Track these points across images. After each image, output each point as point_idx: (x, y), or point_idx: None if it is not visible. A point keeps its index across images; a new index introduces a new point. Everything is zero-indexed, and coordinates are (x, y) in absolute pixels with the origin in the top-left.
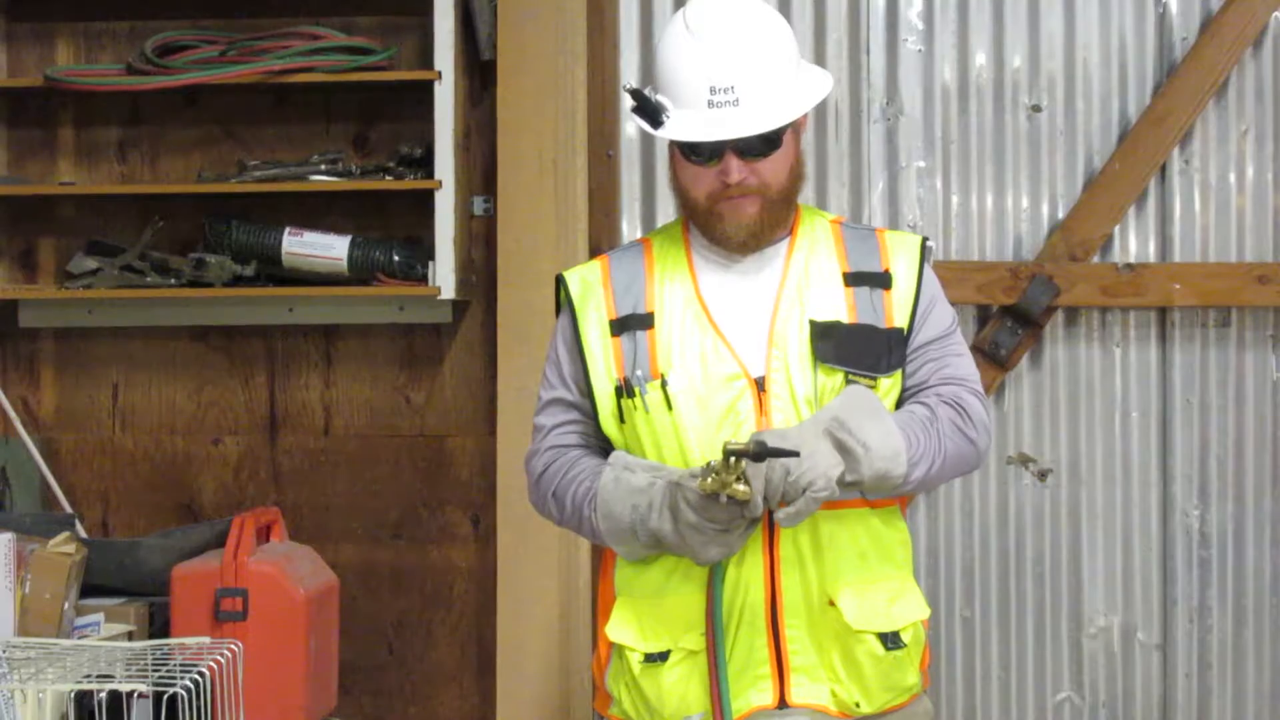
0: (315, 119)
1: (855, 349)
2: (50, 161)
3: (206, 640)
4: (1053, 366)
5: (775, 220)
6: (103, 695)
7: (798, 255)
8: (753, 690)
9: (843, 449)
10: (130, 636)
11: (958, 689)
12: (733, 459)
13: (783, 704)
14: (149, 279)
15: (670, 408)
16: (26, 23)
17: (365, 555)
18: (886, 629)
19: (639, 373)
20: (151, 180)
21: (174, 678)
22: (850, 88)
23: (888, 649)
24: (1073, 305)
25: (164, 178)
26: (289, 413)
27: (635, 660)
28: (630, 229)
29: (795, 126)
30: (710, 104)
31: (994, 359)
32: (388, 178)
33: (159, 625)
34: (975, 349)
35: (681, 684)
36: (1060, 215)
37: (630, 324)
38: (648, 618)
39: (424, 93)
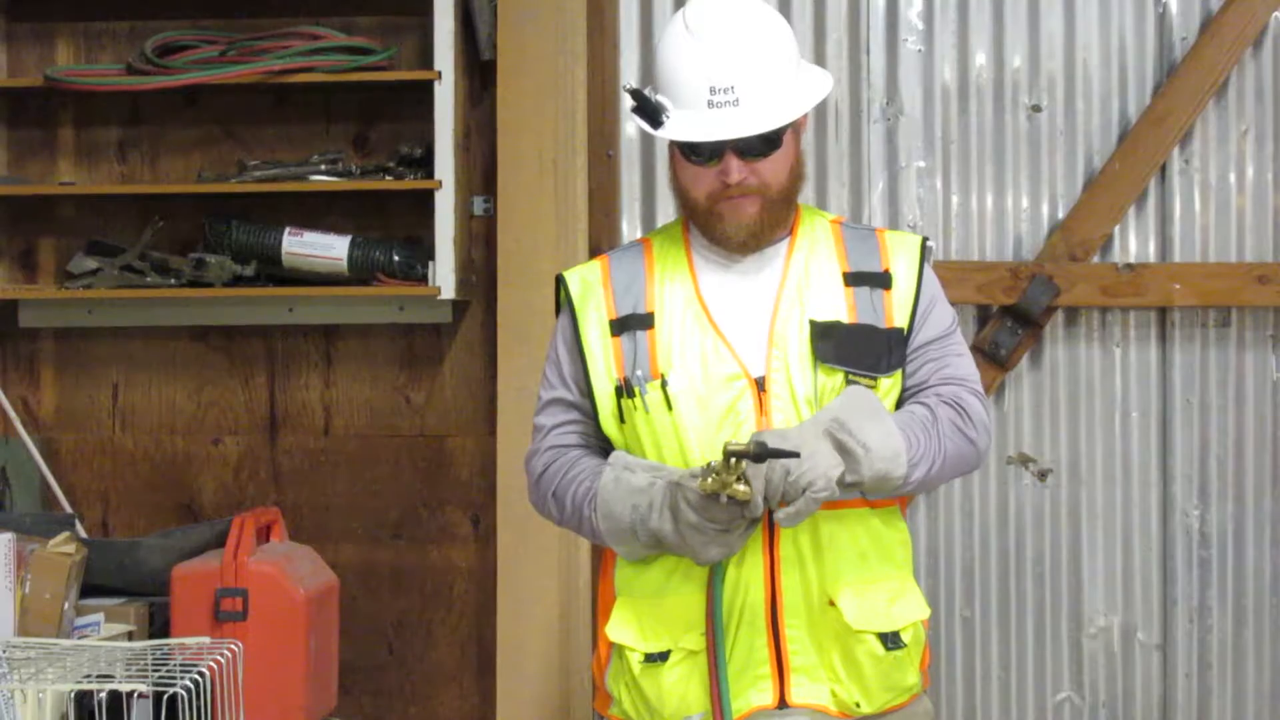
0: (315, 119)
1: (855, 349)
2: (50, 161)
3: (206, 640)
4: (1053, 366)
5: (775, 220)
6: (103, 695)
7: (798, 255)
8: (753, 690)
9: (843, 450)
10: (130, 636)
11: (958, 689)
12: (733, 459)
13: (783, 704)
14: (149, 279)
15: (670, 408)
16: (26, 23)
17: (365, 555)
18: (886, 629)
19: (639, 373)
20: (151, 180)
21: (174, 678)
22: (850, 88)
23: (888, 649)
24: (1073, 305)
25: (164, 178)
26: (289, 413)
27: (635, 660)
28: (630, 229)
29: (795, 126)
30: (710, 104)
31: (994, 359)
32: (388, 178)
33: (159, 625)
34: (975, 349)
35: (681, 684)
36: (1060, 215)
37: (630, 324)
38: (648, 618)
39: (424, 93)
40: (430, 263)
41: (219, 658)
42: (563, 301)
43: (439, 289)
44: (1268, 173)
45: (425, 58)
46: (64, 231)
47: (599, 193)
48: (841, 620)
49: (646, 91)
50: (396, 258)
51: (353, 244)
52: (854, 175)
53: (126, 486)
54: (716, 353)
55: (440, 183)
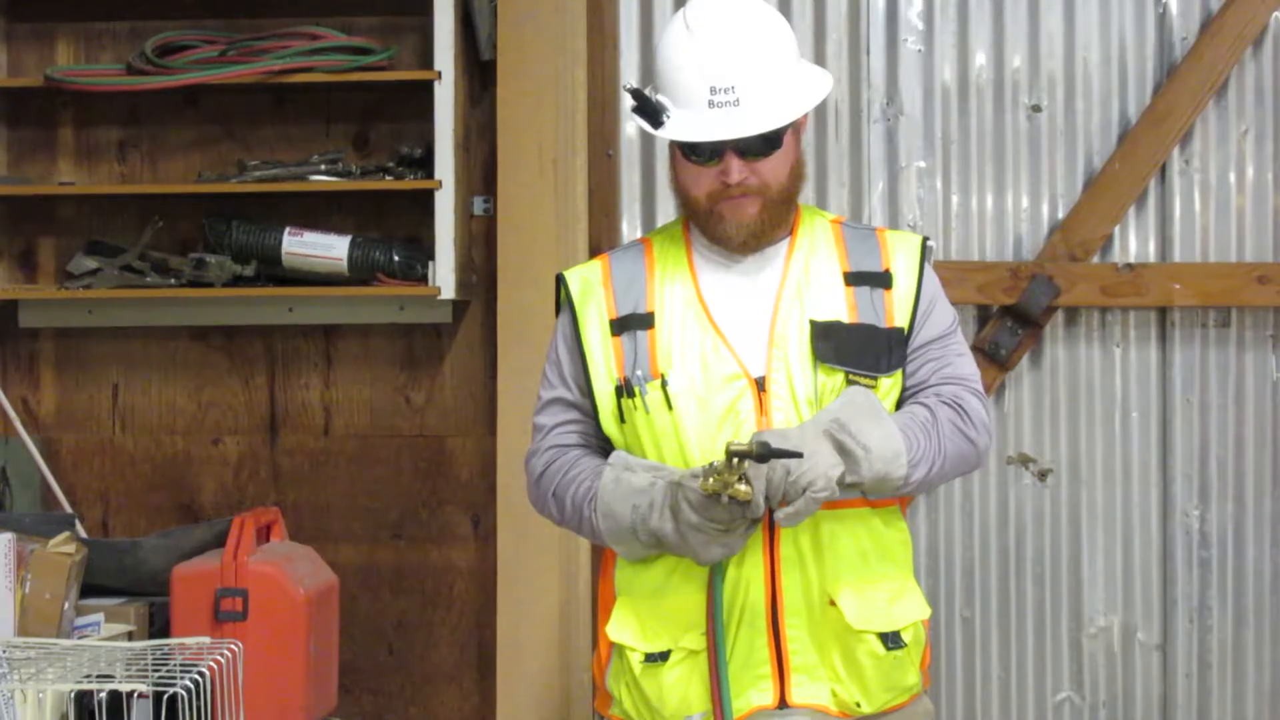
0: (315, 119)
1: (855, 349)
2: (50, 161)
3: (206, 640)
4: (1053, 366)
5: (775, 220)
6: (103, 695)
7: (798, 255)
8: (753, 690)
9: (843, 451)
10: (130, 636)
11: (958, 689)
12: (735, 459)
13: (783, 704)
14: (149, 279)
15: (670, 408)
16: (26, 23)
17: (365, 555)
18: (887, 629)
19: (639, 372)
20: (151, 180)
21: (174, 678)
22: (850, 88)
23: (888, 649)
24: (1073, 305)
25: (164, 178)
26: (289, 413)
27: (636, 660)
28: (630, 229)
29: (795, 126)
30: (710, 104)
31: (994, 359)
32: (388, 178)
33: (159, 625)
34: (975, 349)
35: (682, 684)
36: (1060, 215)
37: (630, 324)
38: (648, 617)
39: (424, 93)
40: (430, 263)
41: (219, 658)
42: (563, 301)
43: (439, 289)
44: (1268, 173)
45: (425, 58)
46: (64, 231)
47: (599, 193)
48: (842, 620)
49: (647, 91)
50: (396, 258)
51: (353, 244)
52: (854, 175)
53: (126, 486)
54: (716, 352)
55: (440, 183)
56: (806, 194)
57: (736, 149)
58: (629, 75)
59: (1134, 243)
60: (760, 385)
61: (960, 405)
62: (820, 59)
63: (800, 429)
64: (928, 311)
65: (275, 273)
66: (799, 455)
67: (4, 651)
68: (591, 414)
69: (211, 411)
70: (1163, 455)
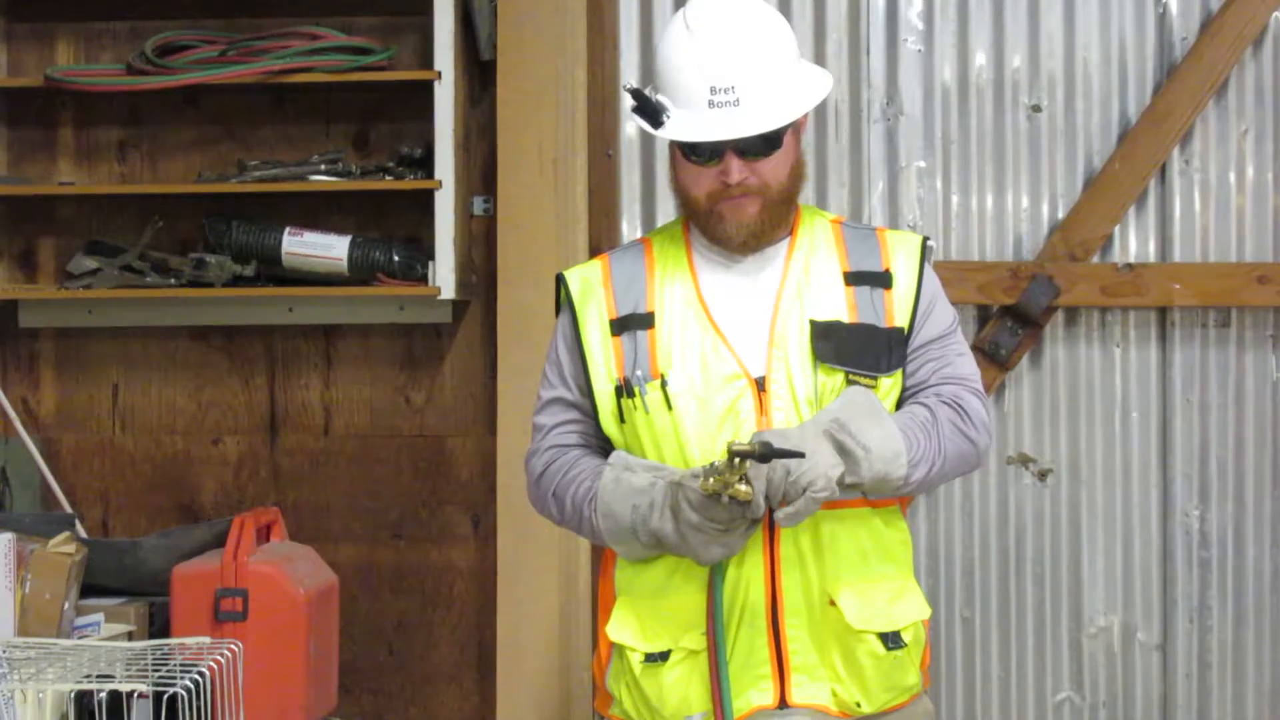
0: (315, 119)
1: (856, 349)
2: (50, 161)
3: (206, 640)
4: (1053, 366)
5: (776, 220)
6: (103, 695)
7: (798, 255)
8: (753, 690)
9: (843, 451)
10: (130, 636)
11: (958, 689)
12: (736, 459)
13: (783, 704)
14: (149, 279)
15: (670, 408)
16: (26, 23)
17: (365, 555)
18: (887, 629)
19: (639, 372)
20: (151, 180)
21: (174, 678)
22: (850, 88)
23: (888, 649)
24: (1073, 305)
25: (164, 178)
26: (289, 413)
27: (636, 660)
28: (630, 229)
29: (795, 126)
30: (710, 104)
31: (994, 359)
32: (388, 178)
33: (159, 625)
34: (975, 349)
35: (682, 684)
36: (1060, 215)
37: (631, 324)
38: (648, 617)
39: (424, 93)
40: (430, 263)
41: (219, 658)
42: (563, 301)
43: (439, 289)
44: (1268, 173)
45: (425, 58)
46: (64, 231)
47: (599, 193)
48: (842, 620)
49: (647, 91)
50: (396, 258)
51: (353, 244)
52: (854, 175)
53: (126, 486)
54: (716, 352)
55: (440, 183)
56: (806, 194)
57: (736, 149)
58: (629, 75)
59: (1134, 243)
60: (760, 385)
61: (960, 405)
62: (820, 59)
63: (800, 429)
64: (928, 311)
65: (275, 273)
66: (800, 455)
67: (4, 651)
68: (591, 414)
69: (211, 411)
70: (1163, 455)
